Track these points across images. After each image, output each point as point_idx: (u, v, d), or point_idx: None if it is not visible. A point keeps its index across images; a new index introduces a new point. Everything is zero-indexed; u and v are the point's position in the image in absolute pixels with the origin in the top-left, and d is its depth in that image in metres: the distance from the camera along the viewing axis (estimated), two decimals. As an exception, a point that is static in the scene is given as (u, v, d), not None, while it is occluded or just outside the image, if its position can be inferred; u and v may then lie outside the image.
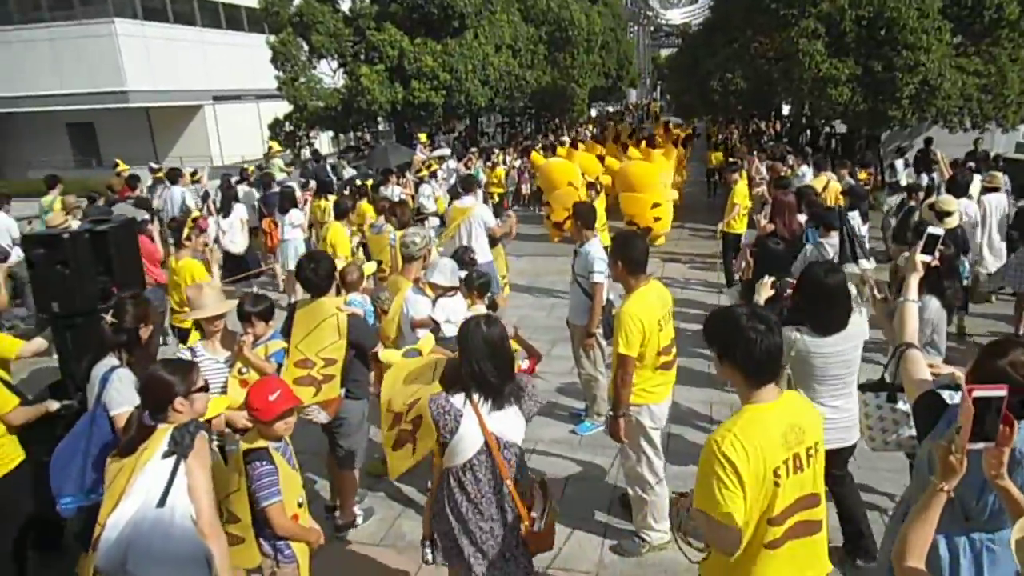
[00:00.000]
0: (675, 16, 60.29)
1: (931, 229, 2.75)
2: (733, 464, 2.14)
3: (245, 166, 16.76)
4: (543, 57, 24.53)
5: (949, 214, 6.68)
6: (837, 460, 3.47)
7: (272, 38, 19.03)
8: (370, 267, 5.76)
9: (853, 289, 5.53)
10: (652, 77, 65.31)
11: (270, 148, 18.24)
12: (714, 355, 2.40)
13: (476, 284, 4.79)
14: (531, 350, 4.21)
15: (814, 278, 3.40)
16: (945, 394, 2.37)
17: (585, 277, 5.45)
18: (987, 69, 14.45)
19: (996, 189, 8.49)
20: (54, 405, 3.63)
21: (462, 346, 2.76)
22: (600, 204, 9.94)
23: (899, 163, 14.73)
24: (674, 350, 4.05)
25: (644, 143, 15.76)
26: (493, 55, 19.97)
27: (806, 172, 12.99)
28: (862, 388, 2.88)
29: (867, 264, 5.38)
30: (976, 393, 1.72)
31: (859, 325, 3.50)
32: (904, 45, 13.47)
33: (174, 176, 12.48)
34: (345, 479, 4.40)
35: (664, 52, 61.75)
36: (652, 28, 68.27)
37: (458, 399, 2.73)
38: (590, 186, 11.12)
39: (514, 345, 4.70)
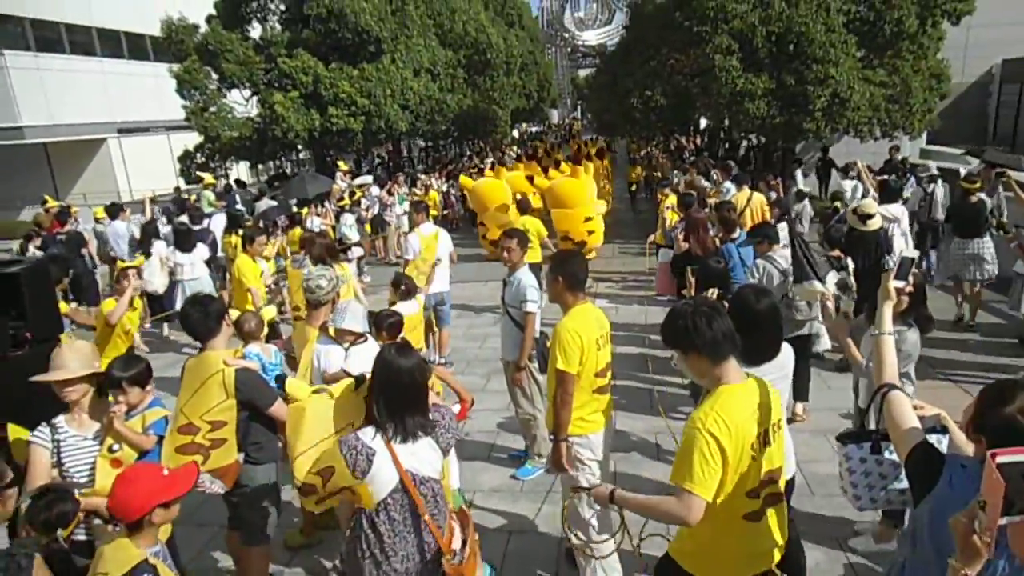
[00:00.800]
0: (591, 37, 61.62)
1: (905, 252, 2.46)
2: (717, 439, 2.29)
3: (185, 196, 15.76)
4: (463, 80, 24.30)
5: (871, 216, 6.80)
6: None
7: (175, 67, 18.06)
8: (269, 312, 5.16)
9: (805, 305, 5.45)
10: (572, 97, 66.43)
11: (201, 180, 17.19)
12: (678, 355, 2.51)
13: (386, 325, 4.32)
14: (460, 392, 3.77)
15: (743, 302, 3.06)
16: (932, 438, 2.06)
17: (517, 307, 5.05)
18: (892, 80, 15.01)
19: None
20: None
21: (373, 377, 2.63)
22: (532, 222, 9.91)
23: (798, 173, 15.27)
24: (610, 374, 3.76)
25: (568, 161, 15.95)
26: (411, 79, 19.57)
27: (730, 188, 13.14)
28: (841, 439, 2.52)
29: (831, 279, 5.17)
30: (1001, 459, 1.39)
31: (788, 354, 3.19)
32: (814, 59, 13.83)
33: (114, 211, 12.03)
34: (252, 557, 3.79)
35: (582, 72, 62.89)
36: (569, 49, 69.56)
37: (368, 434, 2.56)
38: (520, 204, 10.93)
39: (437, 387, 4.28)
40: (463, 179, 15.18)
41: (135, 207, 18.22)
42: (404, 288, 6.47)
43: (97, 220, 12.60)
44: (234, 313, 4.26)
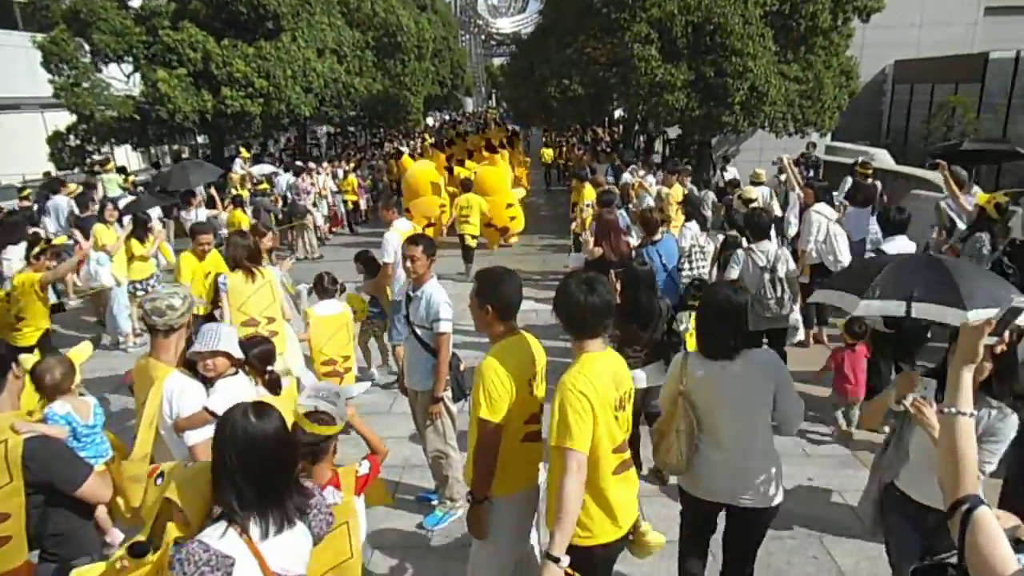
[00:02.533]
0: (505, 25, 60.92)
1: (1016, 301, 1.77)
2: (587, 396, 2.52)
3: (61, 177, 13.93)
4: (372, 64, 23.01)
5: (753, 201, 7.77)
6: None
7: (40, 37, 15.98)
8: (27, 361, 3.63)
9: (774, 304, 5.66)
10: (487, 86, 65.55)
11: (103, 162, 15.49)
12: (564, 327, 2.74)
13: (253, 354, 3.43)
14: (372, 443, 2.98)
15: (722, 296, 3.11)
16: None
17: (427, 327, 4.22)
18: (805, 76, 15.01)
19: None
20: None
21: (216, 451, 1.96)
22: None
23: (730, 167, 15.19)
24: (544, 419, 3.00)
25: (484, 149, 15.61)
26: (315, 60, 18.17)
27: (651, 182, 12.78)
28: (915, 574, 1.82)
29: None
30: None
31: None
32: (733, 51, 13.57)
33: (55, 185, 11.76)
34: None
35: (497, 61, 62.11)
36: (484, 37, 68.59)
37: (216, 535, 1.86)
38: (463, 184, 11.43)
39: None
40: (405, 159, 14.94)
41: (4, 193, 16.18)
42: (324, 286, 5.66)
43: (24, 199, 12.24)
44: (28, 360, 3.16)
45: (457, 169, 14.72)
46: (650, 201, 9.07)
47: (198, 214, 10.03)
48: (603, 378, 2.61)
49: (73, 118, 17.31)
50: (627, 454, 2.77)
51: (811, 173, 15.54)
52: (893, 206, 7.01)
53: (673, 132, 21.54)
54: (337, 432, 2.61)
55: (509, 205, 13.62)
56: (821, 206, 7.57)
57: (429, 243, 4.40)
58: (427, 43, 25.10)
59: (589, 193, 10.67)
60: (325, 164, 17.60)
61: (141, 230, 8.34)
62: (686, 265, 6.86)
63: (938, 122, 19.99)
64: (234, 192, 13.00)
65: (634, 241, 7.09)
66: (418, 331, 4.24)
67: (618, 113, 29.12)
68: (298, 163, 16.43)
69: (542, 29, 17.95)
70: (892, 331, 5.57)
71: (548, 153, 23.58)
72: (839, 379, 5.59)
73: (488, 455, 2.85)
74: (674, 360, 3.27)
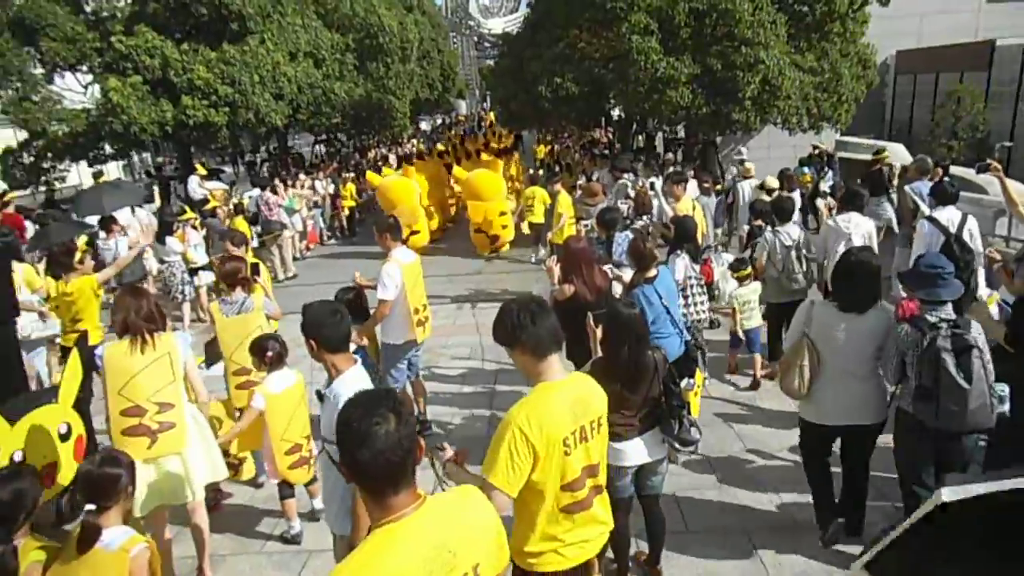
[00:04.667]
0: (497, 25, 59.58)
1: None
2: (526, 436, 2.41)
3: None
4: (353, 67, 21.64)
5: (774, 190, 8.60)
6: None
7: (-19, 47, 14.67)
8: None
9: (801, 277, 6.26)
10: (481, 88, 64.23)
11: (96, 175, 14.59)
12: (508, 351, 2.63)
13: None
14: None
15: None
16: None
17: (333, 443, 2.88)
18: (820, 66, 13.67)
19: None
20: None
21: None
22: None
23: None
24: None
25: (483, 152, 15.41)
26: (286, 64, 16.79)
27: (655, 184, 11.53)
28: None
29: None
30: None
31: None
32: (742, 41, 12.22)
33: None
34: None
35: (491, 63, 60.77)
36: (476, 39, 67.26)
37: None
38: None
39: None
40: (370, 175, 14.71)
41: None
42: (273, 353, 4.26)
43: None
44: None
45: (455, 170, 14.10)
46: (667, 210, 7.70)
47: (118, 244, 8.72)
48: (555, 413, 2.49)
49: (15, 134, 16.04)
50: (583, 492, 2.60)
51: (828, 172, 14.21)
52: (947, 179, 6.82)
53: (672, 130, 20.22)
54: None
55: (502, 213, 13.11)
56: (852, 216, 6.32)
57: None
58: (412, 44, 23.74)
59: (564, 202, 10.28)
60: (302, 176, 16.28)
61: (57, 267, 7.02)
62: (680, 302, 5.68)
63: (945, 112, 18.79)
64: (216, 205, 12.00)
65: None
66: (328, 446, 2.88)
67: (615, 113, 27.80)
68: (263, 177, 15.08)
69: (532, 24, 16.59)
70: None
71: (541, 150, 22.83)
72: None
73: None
74: (801, 307, 4.07)
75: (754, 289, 6.62)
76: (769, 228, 6.53)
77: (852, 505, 4.20)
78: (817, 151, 13.60)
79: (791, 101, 12.88)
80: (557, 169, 18.00)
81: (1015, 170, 14.83)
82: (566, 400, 2.52)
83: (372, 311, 5.43)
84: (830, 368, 3.83)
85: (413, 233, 13.24)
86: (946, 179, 6.96)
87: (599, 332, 3.88)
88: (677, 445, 3.71)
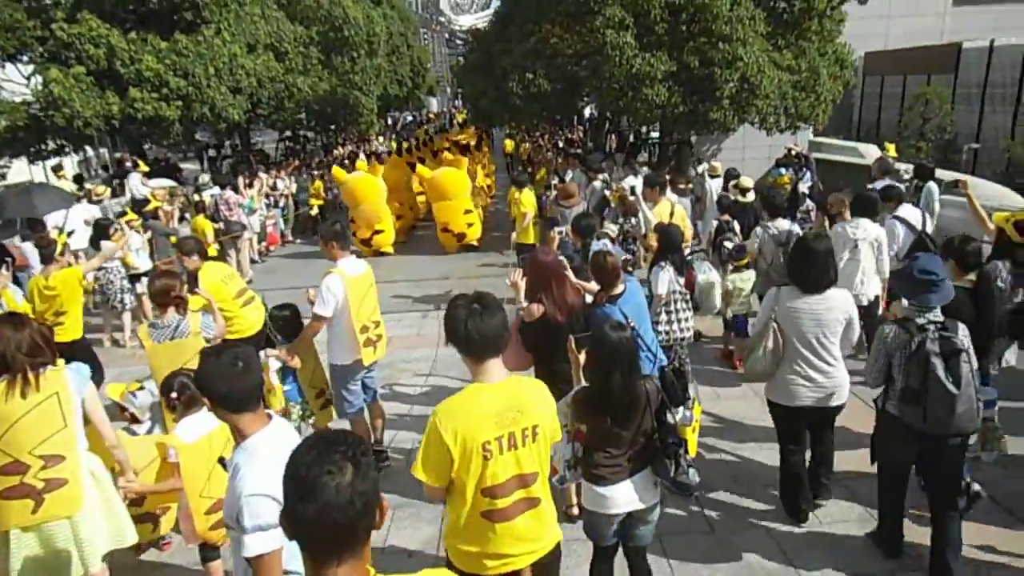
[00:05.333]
0: (468, 22, 58.87)
1: None
2: (440, 434, 2.42)
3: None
4: (317, 61, 20.80)
5: (748, 190, 8.65)
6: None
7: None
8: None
9: None
10: (452, 86, 63.47)
11: (55, 168, 14.39)
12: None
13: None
14: None
15: None
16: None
17: (235, 529, 2.25)
18: (798, 64, 13.29)
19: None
20: None
21: None
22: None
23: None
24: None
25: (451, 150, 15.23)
26: (244, 56, 15.94)
27: (635, 189, 11.09)
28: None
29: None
30: None
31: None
32: (719, 37, 11.76)
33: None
34: None
35: (461, 60, 59.98)
36: (447, 35, 66.43)
37: None
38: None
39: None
40: (336, 171, 14.20)
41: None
42: (184, 395, 3.56)
43: None
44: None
45: (419, 169, 13.93)
46: (650, 217, 7.12)
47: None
48: (477, 415, 2.47)
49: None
50: (505, 501, 2.52)
51: (806, 173, 13.87)
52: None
53: (647, 129, 19.80)
54: None
55: (467, 211, 13.11)
56: (861, 222, 5.93)
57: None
58: (379, 38, 22.93)
59: (528, 201, 9.63)
60: (263, 174, 15.49)
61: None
62: (663, 318, 5.22)
63: (913, 114, 18.75)
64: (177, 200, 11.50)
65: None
66: (232, 536, 2.26)
67: (587, 111, 27.28)
68: (223, 174, 14.27)
69: (502, 17, 15.97)
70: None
71: (509, 144, 22.41)
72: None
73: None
74: (768, 292, 4.30)
75: (747, 278, 6.63)
76: (760, 222, 6.67)
77: (820, 473, 4.46)
78: (793, 152, 13.21)
79: (769, 100, 12.48)
80: (525, 168, 17.61)
81: (981, 171, 14.88)
82: (493, 404, 2.47)
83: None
84: (794, 349, 4.03)
85: (376, 233, 13.04)
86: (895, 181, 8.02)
87: (582, 357, 3.45)
88: (673, 489, 3.21)
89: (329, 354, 4.95)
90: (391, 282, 11.44)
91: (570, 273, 4.39)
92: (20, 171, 16.82)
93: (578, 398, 3.25)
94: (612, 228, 7.74)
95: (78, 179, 14.29)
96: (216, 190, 12.89)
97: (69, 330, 6.06)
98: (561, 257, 4.62)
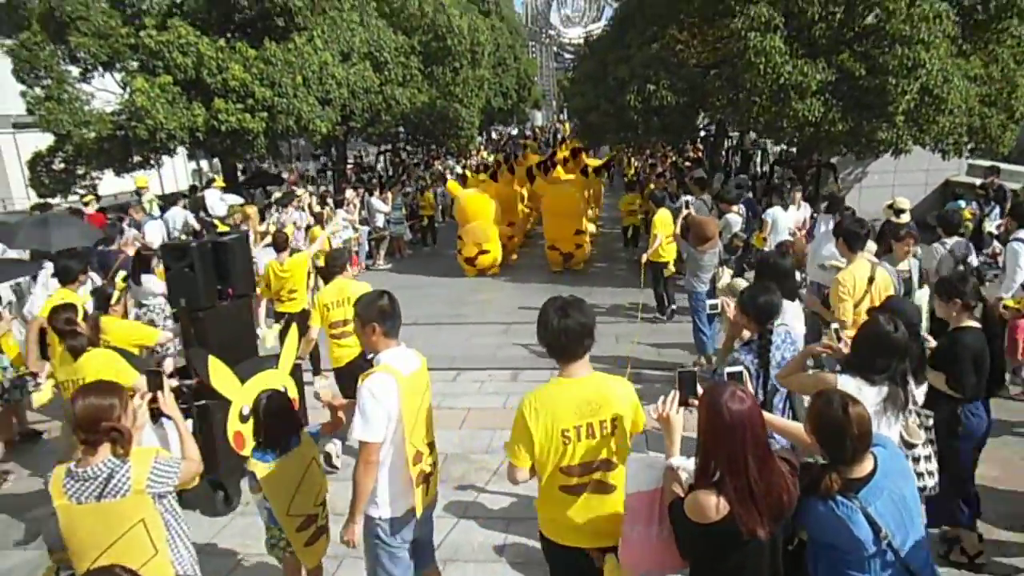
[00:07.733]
0: (577, 34, 57.42)
1: None
2: (525, 419, 2.73)
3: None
4: (418, 72, 19.67)
5: (903, 211, 7.83)
6: None
7: (9, 41, 13.35)
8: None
9: None
10: (558, 99, 62.13)
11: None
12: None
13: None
14: None
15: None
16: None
17: None
18: (989, 73, 10.69)
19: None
20: (174, 382, 4.54)
21: None
22: None
23: None
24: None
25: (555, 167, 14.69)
26: (336, 65, 14.86)
27: (776, 217, 9.06)
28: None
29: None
30: None
31: None
32: (896, 38, 9.43)
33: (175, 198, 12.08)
34: None
35: (570, 74, 58.41)
36: (555, 48, 65.16)
37: None
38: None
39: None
40: (451, 184, 14.39)
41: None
42: None
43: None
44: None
45: (538, 183, 13.73)
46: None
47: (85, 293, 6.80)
48: (562, 403, 2.69)
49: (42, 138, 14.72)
50: (586, 479, 2.75)
51: (995, 209, 11.21)
52: None
53: (783, 149, 17.21)
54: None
55: (578, 232, 12.75)
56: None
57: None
58: (483, 47, 21.62)
59: (663, 223, 8.92)
60: (349, 193, 14.37)
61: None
62: None
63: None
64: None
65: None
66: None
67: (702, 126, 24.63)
68: (287, 194, 13.26)
69: (619, 21, 14.12)
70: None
71: (629, 202, 19.66)
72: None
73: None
74: None
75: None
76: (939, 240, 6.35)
77: None
78: (990, 181, 10.62)
79: (955, 116, 9.99)
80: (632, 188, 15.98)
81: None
82: (574, 397, 2.69)
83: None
84: None
85: (483, 252, 12.68)
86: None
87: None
88: None
89: (358, 500, 3.23)
90: (480, 323, 9.95)
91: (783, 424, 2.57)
92: (111, 183, 16.39)
93: None
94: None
95: (192, 189, 14.04)
96: (297, 215, 11.83)
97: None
98: (765, 412, 2.61)
